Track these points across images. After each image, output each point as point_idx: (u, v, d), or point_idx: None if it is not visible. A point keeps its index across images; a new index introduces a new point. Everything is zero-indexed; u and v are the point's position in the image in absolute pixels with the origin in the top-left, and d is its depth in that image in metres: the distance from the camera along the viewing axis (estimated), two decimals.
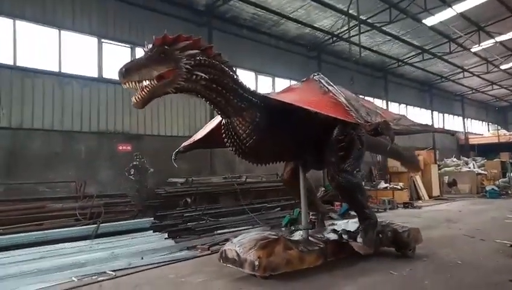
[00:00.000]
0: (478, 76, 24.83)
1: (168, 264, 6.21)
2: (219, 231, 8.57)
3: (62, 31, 10.30)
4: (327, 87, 5.48)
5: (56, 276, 5.49)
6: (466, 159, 24.10)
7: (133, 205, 9.30)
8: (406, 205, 14.26)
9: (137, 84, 3.80)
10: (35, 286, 5.11)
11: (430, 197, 17.53)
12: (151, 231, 7.94)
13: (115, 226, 7.82)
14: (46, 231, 7.12)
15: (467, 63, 22.97)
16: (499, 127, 33.25)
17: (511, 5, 16.38)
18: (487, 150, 27.47)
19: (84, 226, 7.55)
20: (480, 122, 34.48)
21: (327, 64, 18.02)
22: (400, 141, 19.02)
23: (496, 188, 17.84)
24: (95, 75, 10.79)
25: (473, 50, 20.07)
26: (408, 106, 24.52)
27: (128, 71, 3.77)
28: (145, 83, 3.81)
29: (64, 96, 10.08)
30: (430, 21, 16.09)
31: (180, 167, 11.38)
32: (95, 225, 7.44)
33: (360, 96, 19.58)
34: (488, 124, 35.35)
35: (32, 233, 6.97)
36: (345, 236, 5.44)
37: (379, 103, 21.59)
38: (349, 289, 4.67)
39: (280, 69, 15.85)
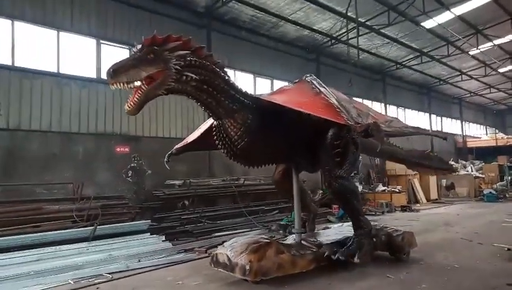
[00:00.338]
0: (476, 79, 24.92)
1: (165, 266, 6.20)
2: (217, 234, 8.57)
3: (61, 32, 10.27)
4: (319, 89, 5.41)
5: (53, 278, 5.48)
6: (464, 162, 24.17)
7: (130, 207, 9.27)
8: (403, 208, 14.28)
9: (125, 85, 3.72)
10: (32, 288, 5.10)
11: (428, 200, 17.56)
12: (149, 233, 7.91)
13: (112, 228, 7.79)
14: (43, 233, 7.07)
15: (465, 66, 23.06)
16: (497, 131, 33.37)
17: (509, 9, 16.48)
18: (485, 154, 27.56)
19: (82, 228, 7.51)
20: (478, 125, 34.57)
21: (326, 66, 18.05)
22: (399, 144, 19.03)
23: (494, 192, 17.89)
24: (94, 76, 10.76)
25: (471, 53, 20.16)
26: (406, 109, 24.56)
27: (116, 72, 3.68)
28: (134, 84, 3.75)
29: (62, 97, 10.05)
30: (428, 24, 16.16)
31: (178, 169, 11.52)
32: (92, 227, 7.40)
33: (358, 99, 19.70)
34: (486, 127, 35.45)
35: (29, 235, 6.92)
36: (338, 255, 5.17)
37: (377, 105, 21.64)
38: None
39: (279, 71, 15.85)
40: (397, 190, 15.83)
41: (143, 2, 11.62)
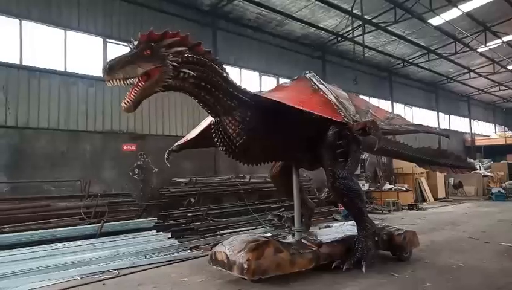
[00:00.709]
0: (485, 77, 24.63)
1: (170, 263, 6.24)
2: (222, 231, 8.59)
3: (68, 31, 10.39)
4: (317, 86, 5.34)
5: (60, 274, 5.55)
6: (472, 160, 23.85)
7: (137, 205, 9.35)
8: (410, 207, 14.20)
9: (121, 81, 3.68)
10: (40, 283, 5.17)
11: (436, 199, 17.44)
12: (155, 231, 7.96)
13: (118, 225, 7.85)
14: (51, 230, 7.16)
15: (473, 64, 22.79)
16: (506, 129, 32.97)
17: None
18: (494, 152, 27.25)
19: (89, 225, 7.59)
20: (487, 123, 34.19)
21: (332, 64, 18.00)
22: (405, 142, 18.88)
23: (503, 191, 17.70)
24: (100, 74, 10.82)
25: (479, 50, 19.92)
26: (414, 107, 24.39)
27: (112, 68, 3.65)
28: (130, 80, 3.71)
29: (69, 96, 10.16)
30: (435, 21, 16.00)
31: (184, 167, 11.59)
32: (99, 224, 7.47)
33: (365, 96, 19.58)
34: (495, 126, 35.05)
35: (38, 231, 7.02)
36: (346, 267, 5.10)
37: (384, 103, 21.52)
38: (351, 288, 4.66)
39: (284, 69, 15.84)
40: (404, 189, 15.74)
41: (149, 1, 11.70)
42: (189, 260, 6.44)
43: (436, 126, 25.89)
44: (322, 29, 15.95)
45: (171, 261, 6.35)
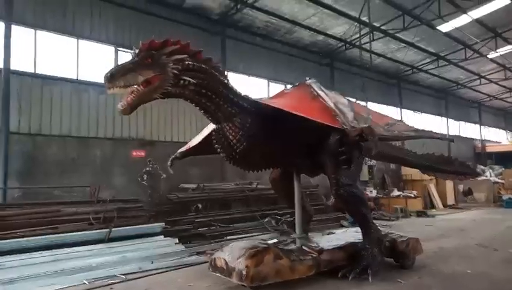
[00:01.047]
0: (496, 83, 24.40)
1: (177, 268, 6.29)
2: (229, 237, 8.62)
3: (80, 40, 10.65)
4: (317, 92, 5.32)
5: (69, 278, 5.63)
6: (483, 167, 23.58)
7: (145, 210, 9.44)
8: (419, 214, 14.04)
9: (122, 89, 3.70)
10: (48, 287, 5.27)
11: (445, 206, 17.22)
12: (162, 236, 8.02)
13: (127, 230, 7.91)
14: (60, 235, 7.26)
15: (484, 70, 22.60)
16: None
17: None
18: (505, 159, 26.80)
19: (98, 230, 7.65)
20: (499, 129, 33.73)
21: (340, 71, 18.04)
22: (412, 148, 18.73)
23: None
24: None
25: (489, 56, 19.76)
26: (423, 114, 24.22)
27: (114, 76, 3.67)
28: (131, 88, 3.72)
29: (81, 103, 10.38)
30: (444, 27, 15.96)
31: (191, 173, 11.69)
32: (108, 229, 7.56)
33: (373, 103, 19.54)
34: (507, 132, 34.54)
35: (47, 236, 7.10)
36: (352, 276, 5.04)
37: (393, 110, 21.43)
38: None
39: (293, 77, 15.89)
40: (413, 195, 15.58)
41: (159, 10, 11.93)
42: (195, 265, 6.49)
43: (446, 133, 25.65)
44: (330, 36, 16.03)
45: (177, 266, 6.40)
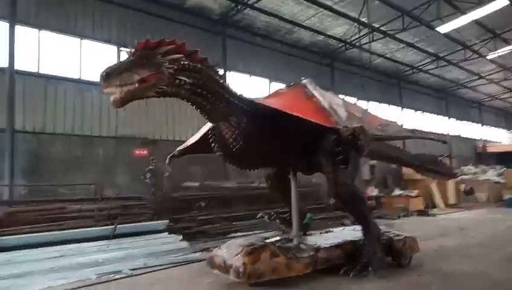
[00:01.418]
0: (496, 83, 24.48)
1: (181, 265, 6.36)
2: (232, 235, 8.72)
3: (83, 40, 10.75)
4: (312, 92, 5.32)
5: (76, 273, 5.73)
6: (484, 167, 23.64)
7: (148, 208, 9.54)
8: (420, 213, 14.11)
9: (118, 88, 3.72)
10: (56, 282, 5.36)
11: (446, 205, 17.25)
12: (166, 233, 8.11)
13: (131, 227, 7.98)
14: (66, 231, 7.37)
15: (484, 70, 22.72)
16: None
17: None
18: (507, 159, 26.85)
19: (102, 227, 7.74)
20: (499, 129, 33.82)
21: (340, 71, 18.14)
22: (414, 149, 18.85)
23: None
24: None
25: (489, 57, 19.86)
26: (424, 113, 24.32)
27: (109, 75, 3.70)
28: (126, 87, 3.73)
29: (84, 102, 10.49)
30: (443, 28, 16.04)
31: (194, 171, 11.79)
32: (113, 226, 7.64)
33: (374, 103, 19.63)
34: (509, 132, 34.63)
35: (54, 233, 7.21)
36: (353, 274, 5.02)
37: (393, 109, 21.53)
38: None
39: (293, 76, 15.75)
40: (414, 195, 15.64)
41: (161, 11, 12.04)
42: (200, 262, 6.57)
43: (447, 132, 25.75)
44: (330, 37, 16.13)
45: (182, 262, 6.48)
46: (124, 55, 3.95)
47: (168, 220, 8.73)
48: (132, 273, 5.79)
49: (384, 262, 5.53)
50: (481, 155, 29.00)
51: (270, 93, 6.22)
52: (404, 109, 22.33)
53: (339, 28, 15.64)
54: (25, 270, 5.63)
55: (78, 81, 10.52)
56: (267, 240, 5.75)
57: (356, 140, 4.60)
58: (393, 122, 6.59)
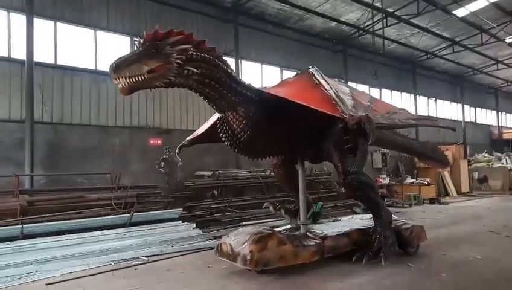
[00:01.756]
0: None
1: (195, 252, 6.64)
2: (244, 223, 8.92)
3: (97, 31, 10.90)
4: (318, 81, 5.33)
5: (95, 260, 6.03)
6: (499, 154, 23.30)
7: (163, 196, 9.80)
8: (432, 201, 14.13)
9: (127, 79, 3.77)
10: (77, 268, 5.65)
11: (459, 193, 17.21)
12: (180, 221, 8.35)
13: (147, 215, 8.28)
14: (84, 219, 7.67)
15: (501, 55, 22.12)
16: None
17: None
18: None
19: (119, 215, 8.03)
20: None
21: (353, 57, 17.94)
22: (428, 136, 18.68)
23: None
24: None
25: (507, 41, 19.35)
26: (438, 100, 23.95)
27: (119, 67, 3.76)
28: (135, 78, 3.78)
29: (100, 93, 10.69)
30: (460, 12, 15.69)
31: (207, 160, 11.98)
32: (129, 214, 7.91)
33: (387, 90, 19.41)
34: None
35: (73, 221, 7.52)
36: (366, 260, 5.18)
37: (407, 96, 21.26)
38: (366, 277, 4.85)
39: (305, 64, 15.56)
40: (426, 183, 15.62)
41: (173, 0, 12.05)
42: (213, 249, 6.78)
43: (461, 119, 25.34)
44: (343, 23, 15.92)
45: (196, 249, 6.74)
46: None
47: (181, 209, 8.97)
48: (148, 260, 6.07)
49: (395, 247, 5.65)
50: (496, 142, 28.50)
51: (278, 82, 6.26)
52: (418, 96, 22.00)
53: (352, 14, 15.41)
54: (48, 256, 5.94)
55: (94, 72, 10.70)
56: (277, 229, 5.92)
57: (362, 129, 4.58)
58: (403, 109, 6.57)
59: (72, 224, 7.39)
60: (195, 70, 4.12)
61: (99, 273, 5.46)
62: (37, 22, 9.80)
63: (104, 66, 10.88)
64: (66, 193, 8.60)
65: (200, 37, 4.35)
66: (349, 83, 17.26)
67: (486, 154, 22.38)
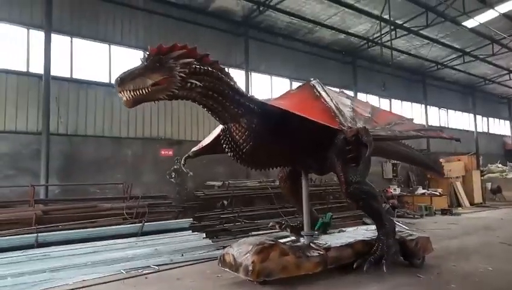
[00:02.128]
0: None
1: (205, 261, 6.68)
2: (254, 233, 8.94)
3: (112, 46, 11.24)
4: (319, 93, 5.39)
5: (107, 268, 6.12)
6: None
7: (174, 206, 9.91)
8: (444, 212, 13.93)
9: (132, 92, 3.88)
10: (89, 276, 5.75)
11: (472, 204, 16.92)
12: (191, 231, 8.43)
13: (158, 225, 8.36)
14: (97, 228, 7.79)
15: None
16: None
17: None
18: None
19: (131, 225, 8.14)
20: None
21: (362, 69, 18.03)
22: (439, 147, 18.48)
23: None
24: None
25: None
26: (449, 110, 23.77)
27: (123, 80, 3.87)
28: (140, 91, 3.89)
29: (113, 105, 10.97)
30: (470, 23, 15.67)
31: (217, 171, 12.11)
32: (141, 224, 8.03)
33: (397, 100, 19.35)
34: None
35: (85, 230, 7.64)
36: (366, 267, 5.11)
37: (417, 107, 21.17)
38: (373, 289, 4.85)
39: (315, 75, 15.71)
40: (438, 193, 15.43)
41: (185, 15, 12.37)
42: None
43: (473, 129, 25.07)
44: (352, 35, 16.06)
45: (206, 259, 6.79)
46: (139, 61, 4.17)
47: (192, 219, 9.05)
48: (159, 269, 6.15)
49: (398, 256, 5.59)
50: (510, 152, 28.04)
51: (281, 94, 6.26)
52: (429, 107, 21.89)
53: (361, 26, 15.56)
54: (62, 264, 6.06)
55: (108, 85, 11.00)
56: (281, 240, 5.94)
57: (360, 141, 4.60)
58: (408, 119, 6.48)
59: (85, 233, 7.52)
60: (198, 83, 4.22)
61: (110, 281, 5.55)
62: (54, 37, 10.18)
63: None
64: (79, 203, 8.78)
65: (211, 50, 4.51)
66: (359, 94, 17.38)
67: (500, 165, 22.03)
